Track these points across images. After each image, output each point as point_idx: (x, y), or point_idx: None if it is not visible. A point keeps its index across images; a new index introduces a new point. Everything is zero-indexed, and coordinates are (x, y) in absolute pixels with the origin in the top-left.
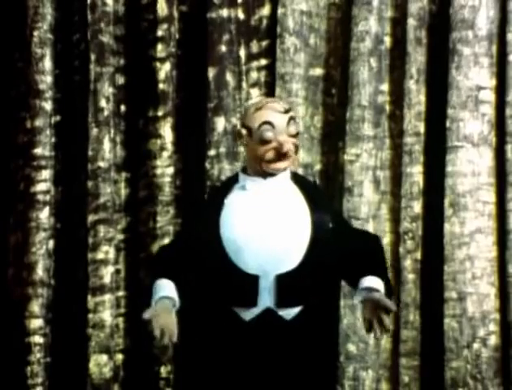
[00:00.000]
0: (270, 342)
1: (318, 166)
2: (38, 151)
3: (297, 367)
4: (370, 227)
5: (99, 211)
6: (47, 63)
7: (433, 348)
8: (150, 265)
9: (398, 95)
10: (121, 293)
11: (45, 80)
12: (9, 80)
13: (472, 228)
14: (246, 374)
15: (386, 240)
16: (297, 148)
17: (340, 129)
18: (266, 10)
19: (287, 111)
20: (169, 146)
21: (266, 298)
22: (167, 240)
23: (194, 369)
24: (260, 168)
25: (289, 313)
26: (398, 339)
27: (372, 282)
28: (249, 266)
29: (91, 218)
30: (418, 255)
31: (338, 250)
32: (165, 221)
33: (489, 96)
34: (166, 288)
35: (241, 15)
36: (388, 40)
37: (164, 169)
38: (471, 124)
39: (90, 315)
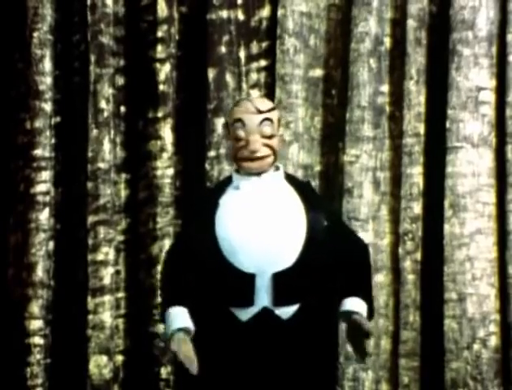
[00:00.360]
0: (267, 342)
1: (318, 167)
2: (38, 152)
3: (295, 367)
4: (369, 228)
5: (99, 212)
6: (47, 64)
7: (433, 349)
8: (160, 285)
9: (398, 96)
10: (121, 294)
11: (45, 81)
12: (9, 80)
13: (472, 229)
14: (245, 375)
15: (386, 241)
16: (273, 150)
17: (339, 130)
18: (266, 12)
19: (261, 112)
20: (169, 147)
21: (263, 297)
22: (167, 242)
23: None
24: (238, 166)
25: (286, 312)
26: (398, 340)
27: (355, 305)
28: (245, 265)
29: (91, 219)
30: (418, 256)
31: (333, 248)
32: (165, 222)
33: (489, 97)
34: (180, 318)
35: (241, 16)
36: (387, 41)
37: (164, 170)
38: (471, 125)
39: (90, 316)
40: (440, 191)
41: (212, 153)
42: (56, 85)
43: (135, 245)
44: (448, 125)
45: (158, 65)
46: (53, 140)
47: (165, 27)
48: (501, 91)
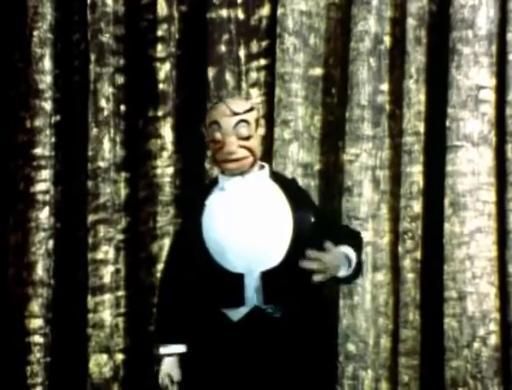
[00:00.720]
0: (259, 341)
1: (317, 166)
2: (38, 151)
3: (289, 365)
4: (369, 227)
5: (99, 211)
6: (47, 63)
7: (433, 347)
8: (157, 311)
9: (398, 95)
10: (121, 293)
11: (45, 80)
12: (9, 79)
13: (472, 228)
14: (239, 375)
15: (385, 240)
16: (251, 151)
17: (339, 129)
18: (265, 11)
19: (236, 114)
20: (169, 146)
21: (253, 296)
22: (166, 240)
23: (187, 373)
24: (217, 167)
25: (277, 310)
26: (398, 338)
27: (346, 249)
28: (233, 265)
29: (91, 218)
30: (418, 255)
31: (321, 244)
32: (165, 221)
33: (489, 95)
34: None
35: (241, 15)
36: (387, 39)
37: (164, 169)
38: (471, 124)
39: (90, 315)
40: (440, 190)
41: None
42: (56, 84)
43: (135, 244)
44: (448, 124)
45: (157, 64)
46: (53, 139)
47: (165, 26)
48: (501, 90)
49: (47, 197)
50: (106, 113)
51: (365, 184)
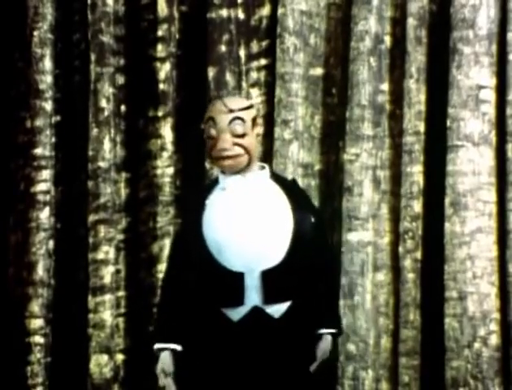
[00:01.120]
0: (259, 341)
1: (318, 166)
2: (38, 151)
3: (288, 365)
4: (370, 227)
5: (99, 211)
6: (47, 63)
7: (433, 347)
8: (157, 311)
9: (398, 94)
10: (121, 293)
11: (46, 80)
12: (9, 79)
13: (473, 228)
14: (238, 375)
15: (386, 240)
16: (246, 149)
17: (340, 129)
18: (266, 10)
19: (232, 111)
20: (169, 146)
21: (253, 296)
22: (167, 240)
23: (186, 373)
24: (213, 165)
25: (277, 310)
26: (398, 338)
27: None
28: (233, 264)
29: (91, 218)
30: (419, 254)
31: (321, 245)
32: (165, 221)
33: (490, 95)
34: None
35: (241, 15)
36: (388, 39)
37: (164, 169)
38: (472, 123)
39: (90, 315)
40: (441, 189)
41: None
42: (56, 84)
43: (135, 244)
44: (448, 123)
45: (158, 64)
46: (53, 139)
47: (165, 26)
48: (501, 89)
49: (47, 197)
50: (106, 113)
51: (365, 183)
